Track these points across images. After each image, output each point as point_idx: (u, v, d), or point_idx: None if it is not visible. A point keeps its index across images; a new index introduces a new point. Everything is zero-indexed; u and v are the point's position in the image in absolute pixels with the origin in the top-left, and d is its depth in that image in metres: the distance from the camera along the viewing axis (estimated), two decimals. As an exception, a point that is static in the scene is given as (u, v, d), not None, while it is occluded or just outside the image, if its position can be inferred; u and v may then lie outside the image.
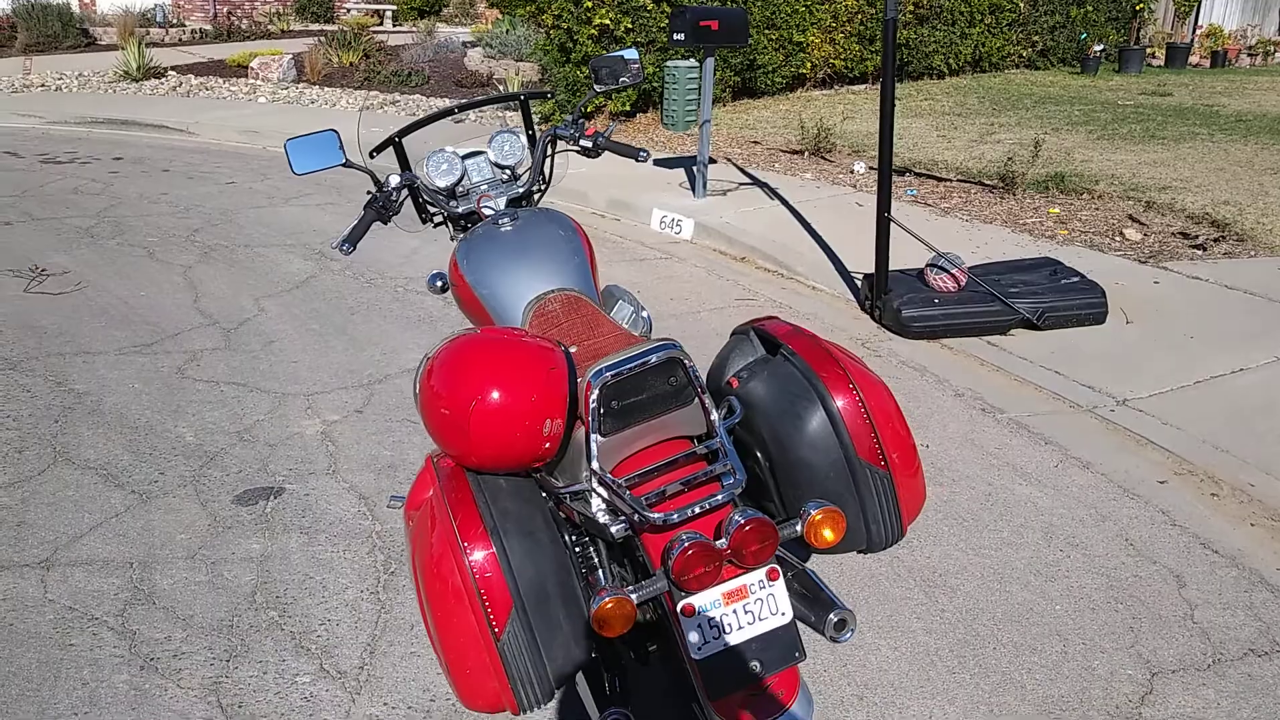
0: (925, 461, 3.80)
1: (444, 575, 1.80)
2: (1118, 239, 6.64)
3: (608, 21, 10.32)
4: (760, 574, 1.83)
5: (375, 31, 17.90)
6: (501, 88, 12.30)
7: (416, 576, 1.89)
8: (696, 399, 1.91)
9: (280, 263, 6.29)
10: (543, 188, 2.99)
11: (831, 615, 1.93)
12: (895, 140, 9.67)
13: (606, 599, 1.71)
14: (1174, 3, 19.11)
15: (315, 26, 21.38)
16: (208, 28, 19.84)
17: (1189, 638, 2.86)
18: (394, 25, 22.17)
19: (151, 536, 3.30)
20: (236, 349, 4.89)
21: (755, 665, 1.82)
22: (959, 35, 14.51)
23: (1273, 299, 5.45)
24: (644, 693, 2.48)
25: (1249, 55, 18.71)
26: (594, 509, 1.92)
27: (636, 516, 1.82)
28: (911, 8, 13.73)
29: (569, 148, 3.00)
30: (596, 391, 1.80)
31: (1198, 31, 19.16)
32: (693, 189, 7.83)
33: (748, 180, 8.34)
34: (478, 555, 1.78)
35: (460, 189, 2.87)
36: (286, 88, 13.41)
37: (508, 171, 2.93)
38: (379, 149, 2.91)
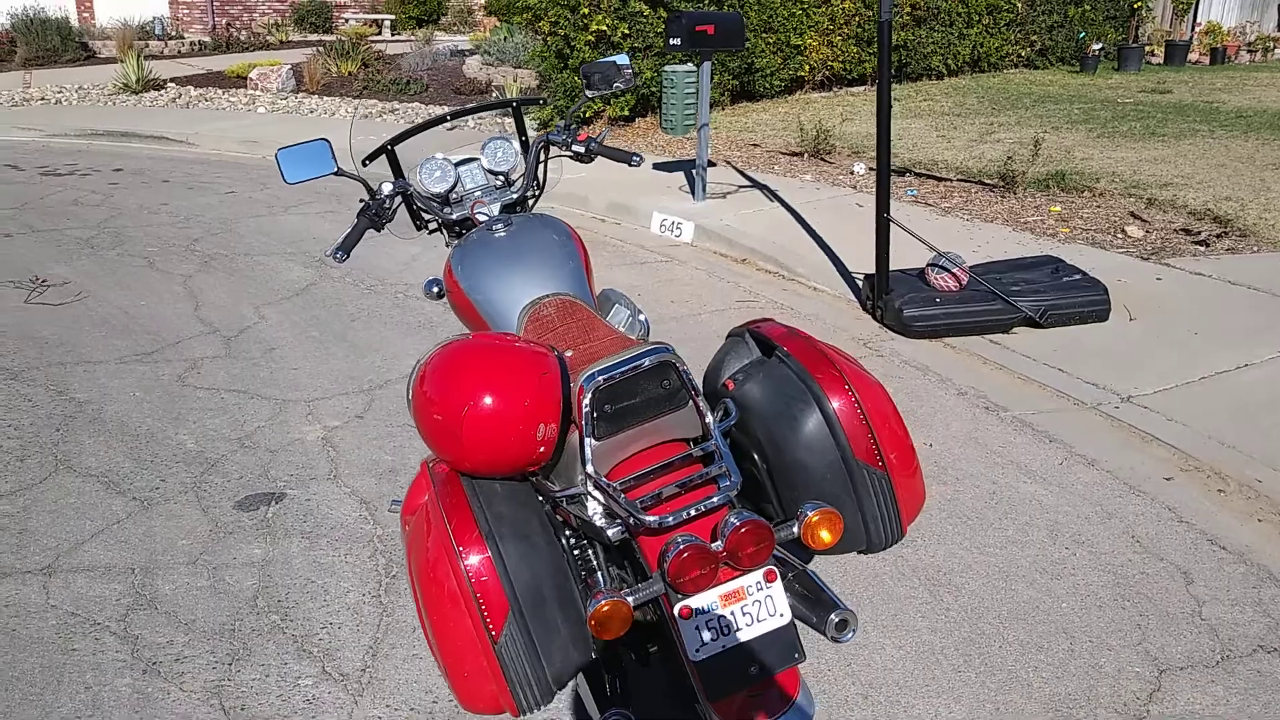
0: (929, 461, 3.80)
1: (440, 580, 1.80)
2: (1119, 236, 6.62)
3: (604, 28, 10.32)
4: (757, 576, 1.81)
5: (374, 41, 17.91)
6: (499, 95, 12.31)
7: (413, 581, 1.89)
8: (691, 402, 1.90)
9: (280, 271, 6.29)
10: (537, 193, 2.99)
11: (832, 616, 1.91)
12: (895, 141, 9.70)
13: (603, 602, 1.70)
14: (1172, 0, 19.11)
15: (314, 37, 21.42)
16: (206, 39, 19.89)
17: (1197, 634, 2.84)
18: (392, 35, 22.21)
19: (153, 542, 3.29)
20: (237, 356, 4.88)
21: (754, 667, 1.81)
22: (957, 36, 14.51)
23: (1276, 294, 5.43)
24: (645, 694, 2.46)
25: (1248, 51, 18.70)
26: (590, 512, 1.92)
27: (632, 520, 1.81)
28: (909, 9, 13.74)
29: (562, 153, 2.99)
30: (589, 395, 1.79)
31: (1197, 29, 19.15)
32: (692, 192, 7.82)
33: (747, 183, 8.33)
34: (473, 559, 1.78)
35: (454, 195, 2.87)
36: (285, 98, 13.42)
37: (501, 177, 2.92)
38: (372, 157, 2.91)
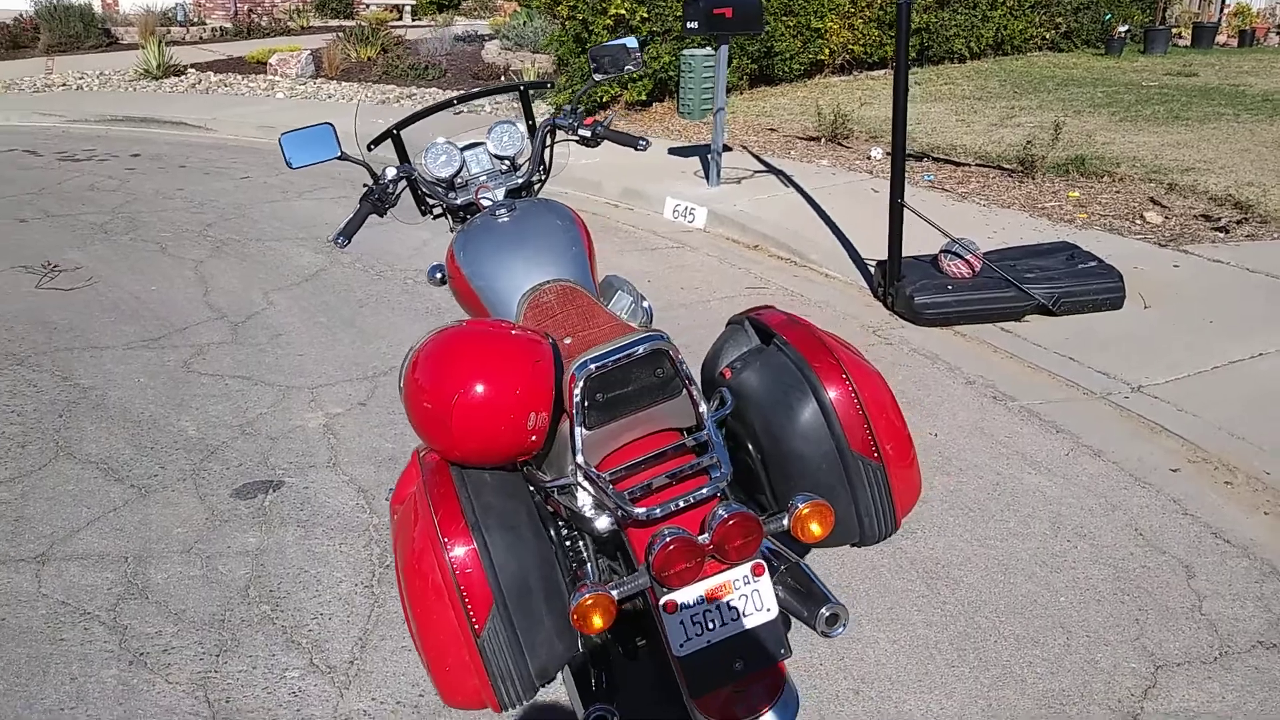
0: (933, 451, 3.75)
1: (424, 571, 1.78)
2: (1138, 222, 6.52)
3: (623, 11, 10.26)
4: (745, 569, 1.79)
5: (394, 26, 17.92)
6: (517, 79, 12.27)
7: (398, 572, 1.87)
8: (684, 391, 1.87)
9: (291, 256, 6.29)
10: (543, 178, 2.96)
11: (823, 610, 1.88)
12: (914, 126, 9.59)
13: (586, 595, 1.68)
14: (1202, -18, 18.79)
15: (335, 22, 21.46)
16: (228, 25, 19.95)
17: (1196, 630, 2.78)
18: (413, 20, 22.20)
19: (148, 531, 3.29)
20: (243, 342, 4.88)
21: (739, 663, 1.78)
22: (980, 18, 14.31)
23: (1296, 282, 5.33)
24: (632, 688, 2.44)
25: (1277, 33, 18.36)
26: (580, 503, 1.89)
27: (620, 511, 1.79)
28: (932, -9, 13.57)
29: (568, 137, 2.96)
30: (581, 384, 1.76)
31: (1225, 10, 18.81)
32: (707, 177, 7.76)
33: (763, 168, 8.26)
34: (458, 551, 1.76)
35: (459, 180, 2.85)
36: (305, 83, 13.44)
37: (507, 162, 2.90)
38: (377, 141, 2.90)
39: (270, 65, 14.25)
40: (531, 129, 2.99)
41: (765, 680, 1.84)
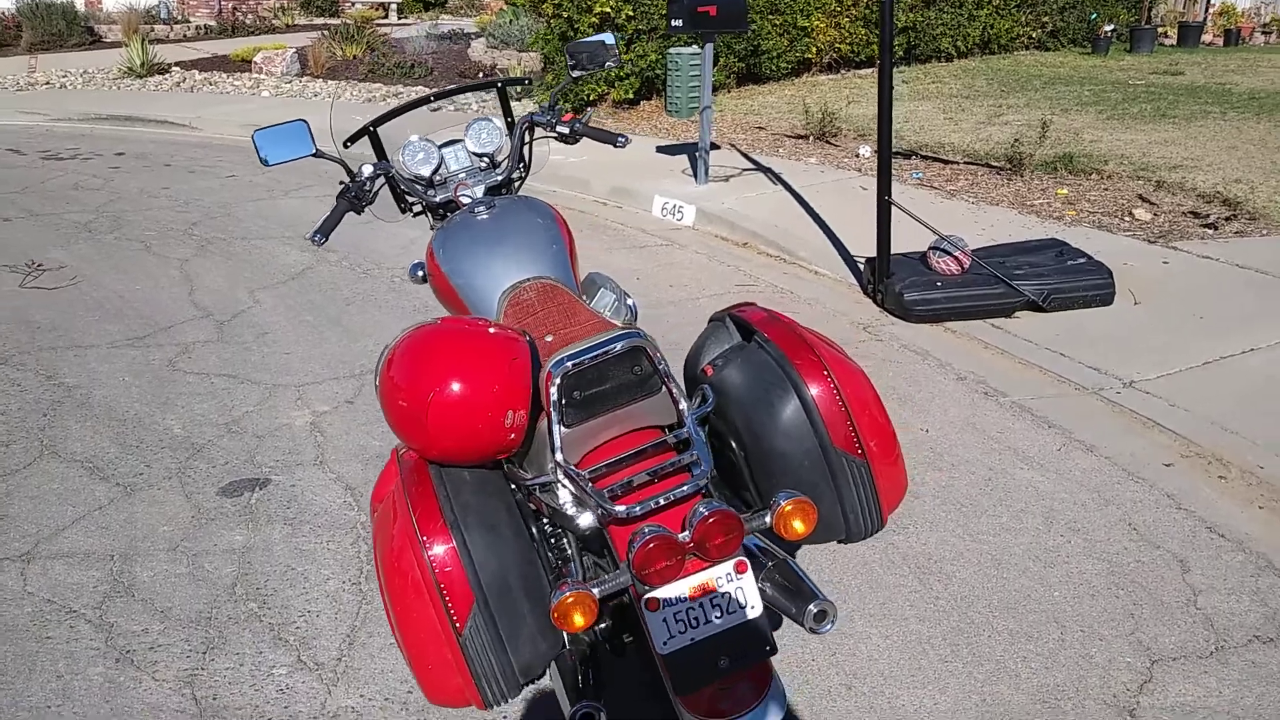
0: (924, 447, 3.73)
1: (404, 570, 1.76)
2: (1127, 219, 6.53)
3: (608, 9, 10.23)
4: (728, 567, 1.77)
5: (380, 24, 17.86)
6: (502, 77, 12.23)
7: (379, 571, 1.85)
8: (664, 388, 1.85)
9: (277, 255, 6.25)
10: (522, 175, 2.93)
11: (811, 607, 1.86)
12: (901, 123, 9.60)
13: (567, 593, 1.65)
14: (1186, -18, 18.88)
15: (320, 20, 21.37)
16: (212, 24, 19.85)
17: (1191, 624, 2.77)
18: (399, 18, 22.14)
19: (134, 529, 3.25)
20: (229, 341, 4.84)
21: (723, 660, 1.76)
22: (966, 17, 14.35)
23: (1284, 277, 5.34)
24: (619, 685, 2.41)
25: (1263, 33, 18.47)
26: (561, 501, 1.87)
27: (600, 509, 1.77)
28: (918, -10, 13.59)
29: (546, 134, 2.94)
30: (557, 381, 1.74)
31: (1211, 10, 18.91)
32: (695, 175, 7.74)
33: (751, 166, 8.24)
34: (437, 549, 1.74)
35: (438, 177, 2.82)
36: (290, 81, 13.37)
37: (486, 159, 2.87)
38: (353, 138, 2.87)
39: (255, 63, 14.17)
40: (510, 126, 2.97)
41: (751, 677, 1.82)
